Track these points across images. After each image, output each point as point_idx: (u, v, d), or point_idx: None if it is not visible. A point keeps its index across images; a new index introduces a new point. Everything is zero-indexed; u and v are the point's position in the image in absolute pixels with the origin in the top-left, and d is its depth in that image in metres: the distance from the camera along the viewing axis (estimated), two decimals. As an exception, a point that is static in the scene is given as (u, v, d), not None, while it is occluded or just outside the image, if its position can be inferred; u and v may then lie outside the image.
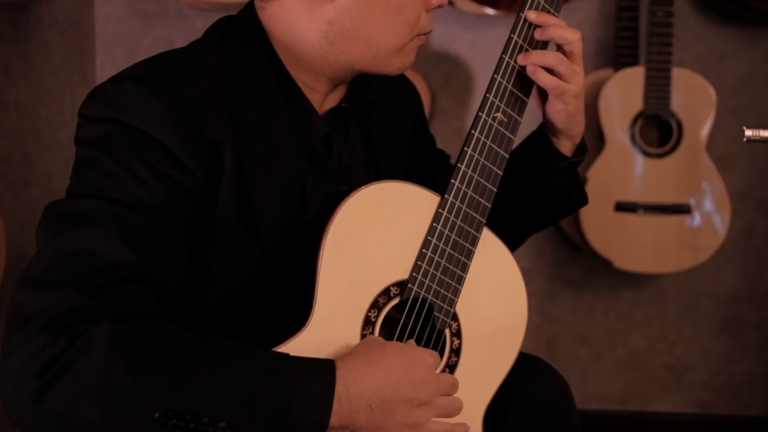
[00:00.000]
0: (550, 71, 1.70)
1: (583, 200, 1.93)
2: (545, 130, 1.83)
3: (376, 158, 1.80)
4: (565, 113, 1.75)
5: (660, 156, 3.36)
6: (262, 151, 1.61)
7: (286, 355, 1.47)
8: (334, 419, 1.44)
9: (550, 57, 1.69)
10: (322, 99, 1.73)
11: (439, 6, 1.71)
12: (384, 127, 1.82)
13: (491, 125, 1.68)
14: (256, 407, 1.41)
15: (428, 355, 1.55)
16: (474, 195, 1.67)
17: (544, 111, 1.78)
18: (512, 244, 1.82)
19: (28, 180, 3.13)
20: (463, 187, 1.66)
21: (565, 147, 1.83)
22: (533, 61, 1.68)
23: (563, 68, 1.70)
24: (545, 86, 1.70)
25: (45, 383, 1.37)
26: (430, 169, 1.93)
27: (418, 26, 1.68)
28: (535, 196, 1.85)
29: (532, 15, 1.69)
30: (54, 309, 1.40)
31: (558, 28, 1.69)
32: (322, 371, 1.45)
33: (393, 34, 1.65)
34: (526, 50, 1.69)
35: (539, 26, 1.70)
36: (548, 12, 1.71)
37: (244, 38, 1.68)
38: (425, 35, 1.72)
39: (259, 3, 1.68)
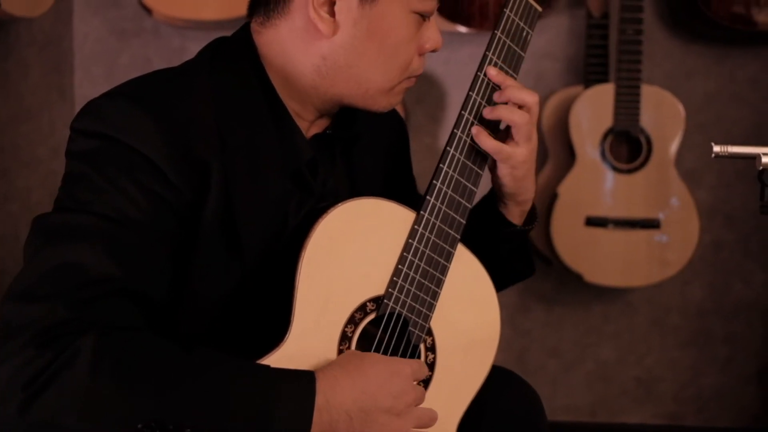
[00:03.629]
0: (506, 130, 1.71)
1: (530, 270, 1.93)
2: (493, 201, 1.82)
3: (356, 186, 1.81)
4: (512, 177, 1.74)
5: (629, 171, 3.38)
6: (249, 171, 1.62)
7: (267, 367, 1.49)
8: (315, 430, 1.45)
9: (517, 114, 1.68)
10: (308, 126, 1.74)
11: (433, 51, 1.72)
12: (365, 158, 1.84)
13: (466, 141, 1.69)
14: (237, 419, 1.42)
15: (406, 366, 1.57)
16: (449, 211, 1.68)
17: (491, 176, 1.78)
18: None
19: (7, 196, 3.12)
20: (438, 204, 1.67)
21: (514, 214, 1.82)
22: (499, 115, 1.69)
23: (525, 129, 1.70)
24: (488, 150, 1.70)
25: (31, 395, 1.38)
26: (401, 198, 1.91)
27: (410, 69, 1.70)
28: (483, 259, 1.79)
29: (492, 72, 1.70)
30: (41, 322, 1.41)
31: (517, 89, 1.69)
32: (302, 383, 1.47)
33: (384, 75, 1.67)
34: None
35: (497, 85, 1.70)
36: (511, 48, 1.72)
37: (237, 60, 1.69)
38: (415, 77, 1.74)
39: (256, 27, 1.70)
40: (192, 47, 1.69)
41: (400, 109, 3.36)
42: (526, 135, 1.71)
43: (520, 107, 1.70)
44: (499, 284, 1.81)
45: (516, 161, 1.72)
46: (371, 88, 1.68)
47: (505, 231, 1.83)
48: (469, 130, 1.69)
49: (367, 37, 1.64)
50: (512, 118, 1.69)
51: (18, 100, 3.22)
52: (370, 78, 1.67)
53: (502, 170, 1.73)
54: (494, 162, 1.73)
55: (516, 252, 1.87)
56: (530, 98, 1.70)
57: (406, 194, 1.93)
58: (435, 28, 1.71)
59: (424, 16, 1.68)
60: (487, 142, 1.69)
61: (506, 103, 1.70)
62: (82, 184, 1.52)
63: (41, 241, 1.50)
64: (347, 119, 1.79)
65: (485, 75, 1.70)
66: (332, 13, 1.63)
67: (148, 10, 3.24)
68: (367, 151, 1.84)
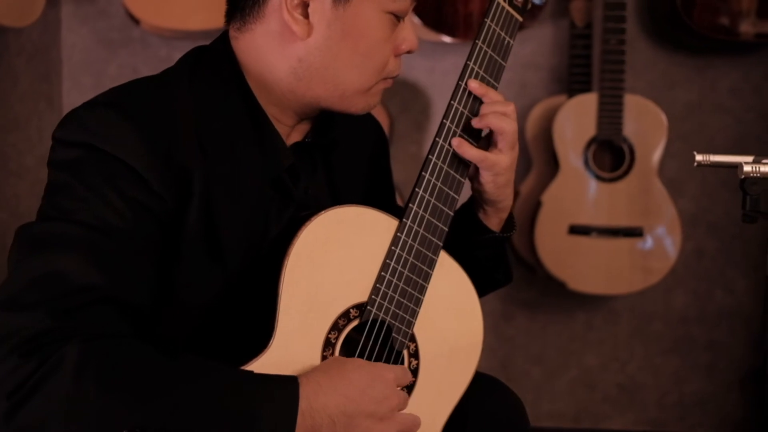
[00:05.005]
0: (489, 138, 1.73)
1: (508, 278, 1.94)
2: (473, 209, 1.83)
3: (337, 193, 1.82)
4: (494, 184, 1.76)
5: (613, 180, 3.40)
6: (230, 179, 1.62)
7: (251, 372, 1.49)
8: (299, 434, 1.47)
9: (506, 122, 1.70)
10: (288, 131, 1.75)
11: (409, 52, 1.73)
12: (345, 164, 1.84)
13: (448, 150, 1.70)
14: (222, 424, 1.43)
15: (389, 371, 1.58)
16: (431, 219, 1.69)
17: (472, 183, 1.79)
18: None
19: (-4, 204, 3.14)
20: (421, 211, 1.68)
21: (492, 221, 1.83)
22: (487, 124, 1.70)
23: (511, 137, 1.71)
24: (473, 160, 1.71)
25: (16, 403, 1.39)
26: (381, 204, 1.90)
27: (386, 70, 1.71)
28: (461, 266, 1.79)
29: (473, 84, 1.71)
30: (25, 331, 1.41)
31: (495, 118, 1.70)
32: (285, 388, 1.48)
33: (359, 76, 1.68)
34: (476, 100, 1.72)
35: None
36: (492, 57, 1.73)
37: (216, 67, 1.69)
38: (392, 79, 1.74)
39: (234, 33, 1.71)
40: (179, 57, 1.70)
41: (384, 117, 3.38)
42: (511, 143, 1.72)
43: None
44: (479, 292, 1.81)
45: (500, 168, 1.73)
46: (348, 89, 1.68)
47: (484, 238, 1.84)
48: (452, 138, 1.70)
49: (341, 39, 1.65)
50: (501, 125, 1.70)
51: (6, 109, 3.23)
52: (346, 79, 1.67)
53: (485, 177, 1.74)
54: (476, 170, 1.74)
55: (494, 259, 1.88)
56: (509, 127, 1.70)
57: (386, 199, 1.96)
58: (410, 29, 1.72)
59: (398, 17, 1.69)
60: (470, 152, 1.70)
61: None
62: (64, 194, 1.52)
63: (25, 251, 1.50)
64: (327, 126, 1.79)
65: (467, 84, 1.71)
66: (306, 15, 1.63)
67: (135, 21, 3.25)
68: (348, 156, 1.85)
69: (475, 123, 1.71)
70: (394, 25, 1.69)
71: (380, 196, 1.95)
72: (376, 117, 2.02)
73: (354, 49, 1.65)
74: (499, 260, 1.90)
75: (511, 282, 1.96)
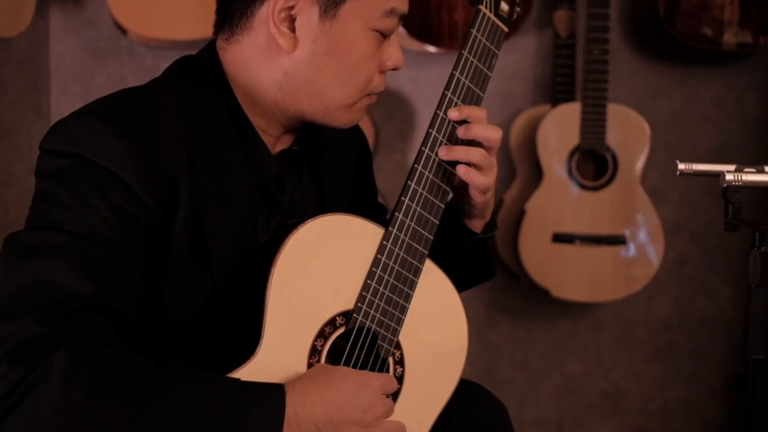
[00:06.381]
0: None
1: (492, 274, 1.97)
2: (455, 211, 1.85)
3: (324, 199, 1.83)
4: (483, 203, 1.79)
5: (596, 189, 3.42)
6: (216, 187, 1.63)
7: (238, 380, 1.50)
8: (285, 441, 1.47)
9: (474, 154, 1.71)
10: (274, 142, 1.76)
11: (394, 69, 1.74)
12: (332, 170, 1.85)
13: (434, 159, 1.71)
14: (209, 431, 1.45)
15: (375, 379, 1.60)
16: (417, 227, 1.70)
17: (461, 200, 1.81)
18: None
19: (-15, 212, 3.14)
20: (407, 220, 1.69)
21: (477, 225, 1.86)
22: (456, 157, 1.70)
23: (486, 164, 1.73)
24: (479, 186, 1.73)
25: (5, 411, 1.39)
26: (365, 209, 1.92)
27: (370, 86, 1.72)
28: (447, 267, 1.81)
29: (453, 114, 1.71)
30: (14, 338, 1.42)
31: (481, 128, 1.71)
32: (272, 396, 1.49)
33: (344, 92, 1.69)
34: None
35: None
36: (478, 67, 1.75)
37: (203, 77, 1.70)
38: (376, 95, 1.76)
39: (221, 44, 1.71)
40: (166, 67, 1.71)
41: (369, 127, 3.38)
42: (488, 166, 1.74)
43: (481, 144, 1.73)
44: (463, 287, 1.84)
45: (489, 191, 1.77)
46: (331, 104, 1.69)
47: (470, 240, 1.86)
48: (437, 148, 1.71)
49: (327, 54, 1.66)
50: (469, 158, 1.70)
51: (-4, 119, 3.23)
52: (330, 94, 1.68)
53: (478, 198, 1.77)
54: (463, 185, 1.76)
55: (479, 259, 1.91)
56: (494, 135, 1.72)
57: (370, 205, 1.98)
58: (397, 47, 1.73)
59: (384, 35, 1.70)
60: (477, 178, 1.72)
61: (467, 140, 1.72)
62: (52, 203, 1.52)
63: (13, 259, 1.50)
64: (313, 134, 1.80)
65: (453, 95, 1.72)
66: (293, 29, 1.64)
67: (123, 30, 3.25)
68: (334, 164, 1.86)
69: (461, 133, 1.71)
70: (380, 42, 1.70)
71: (366, 200, 1.97)
72: (360, 126, 2.02)
73: (339, 64, 1.66)
74: (485, 257, 1.93)
75: (495, 277, 1.99)
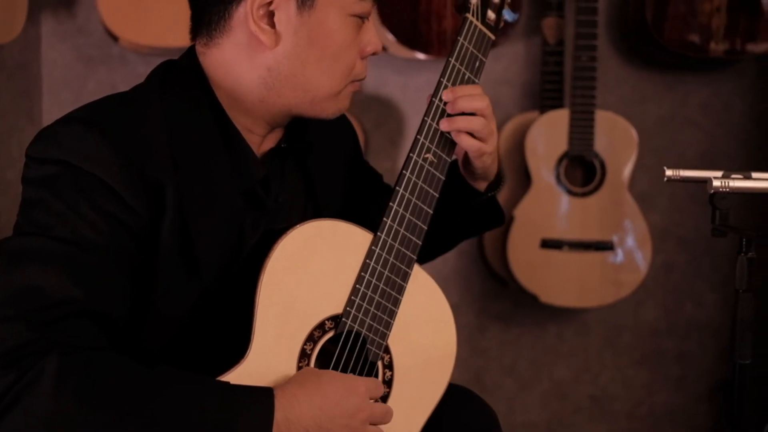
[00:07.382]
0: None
1: (500, 221, 2.01)
2: (460, 174, 1.89)
3: (314, 193, 1.84)
4: (483, 167, 1.83)
5: (584, 195, 3.42)
6: (202, 192, 1.63)
7: (228, 383, 1.51)
8: (273, 445, 1.48)
9: (475, 122, 1.75)
10: (260, 141, 1.76)
11: (374, 54, 1.76)
12: (322, 164, 1.86)
13: (422, 166, 1.73)
14: (199, 435, 1.46)
15: (362, 384, 1.61)
16: (405, 233, 1.72)
17: (463, 163, 1.85)
18: (438, 250, 1.96)
19: (-23, 219, 3.14)
20: (395, 225, 1.70)
21: (480, 186, 1.90)
22: (458, 127, 1.74)
23: (485, 132, 1.76)
24: (469, 149, 1.77)
25: (-3, 415, 1.40)
26: (366, 195, 1.97)
27: (353, 73, 1.74)
28: (454, 222, 1.93)
29: (448, 95, 1.75)
30: (5, 343, 1.43)
31: (467, 99, 1.74)
32: (261, 399, 1.50)
33: (328, 80, 1.70)
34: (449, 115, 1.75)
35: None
36: (465, 74, 1.77)
37: (185, 83, 1.71)
38: (360, 81, 1.77)
39: (201, 49, 1.72)
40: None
41: (359, 134, 3.40)
42: (488, 134, 1.77)
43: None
44: (472, 235, 2.08)
45: (487, 155, 1.80)
46: (318, 95, 1.71)
47: (475, 200, 1.92)
48: (425, 154, 1.73)
49: (308, 45, 1.67)
50: (470, 126, 1.75)
51: (-13, 125, 3.23)
52: (315, 84, 1.70)
53: (476, 164, 1.82)
54: (464, 156, 1.82)
55: (488, 211, 1.98)
56: (479, 103, 1.75)
57: (375, 190, 2.00)
58: (373, 32, 1.75)
59: (362, 18, 1.71)
60: (467, 141, 1.76)
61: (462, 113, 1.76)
62: (40, 209, 1.53)
63: (2, 266, 1.51)
64: (299, 130, 1.81)
65: (440, 100, 1.74)
66: (272, 24, 1.66)
67: (114, 38, 3.26)
68: (324, 159, 1.87)
69: (450, 108, 1.74)
70: (359, 27, 1.72)
71: (366, 189, 1.99)
72: (352, 124, 2.06)
73: (321, 54, 1.68)
74: (494, 209, 2.00)
75: (503, 224, 2.06)
